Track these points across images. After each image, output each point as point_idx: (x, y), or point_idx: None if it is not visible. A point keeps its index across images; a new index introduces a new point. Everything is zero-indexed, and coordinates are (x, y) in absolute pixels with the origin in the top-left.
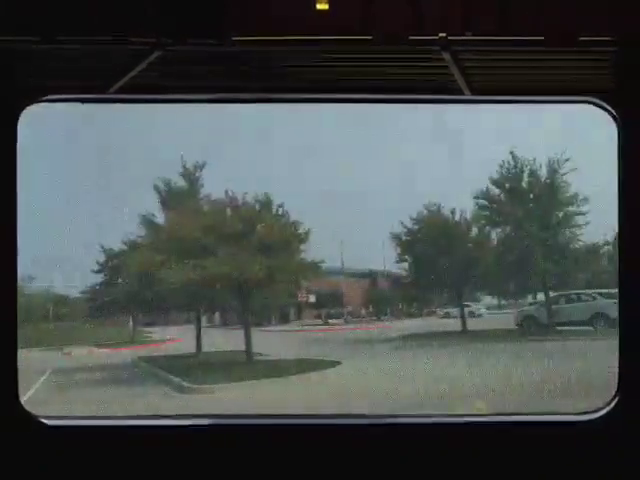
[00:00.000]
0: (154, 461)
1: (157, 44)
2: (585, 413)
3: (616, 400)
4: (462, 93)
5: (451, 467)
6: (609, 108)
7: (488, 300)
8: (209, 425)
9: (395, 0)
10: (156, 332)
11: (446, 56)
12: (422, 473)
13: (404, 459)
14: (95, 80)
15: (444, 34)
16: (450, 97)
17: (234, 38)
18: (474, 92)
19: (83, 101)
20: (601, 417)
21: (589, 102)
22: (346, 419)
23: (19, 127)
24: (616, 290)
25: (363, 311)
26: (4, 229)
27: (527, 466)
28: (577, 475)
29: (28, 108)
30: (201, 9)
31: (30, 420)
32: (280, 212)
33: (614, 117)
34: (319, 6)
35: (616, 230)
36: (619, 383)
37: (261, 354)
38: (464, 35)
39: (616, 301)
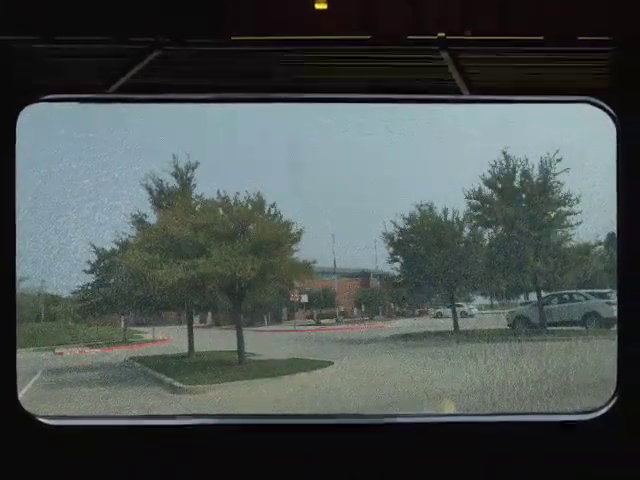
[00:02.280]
0: (154, 461)
1: (156, 44)
2: (584, 413)
3: (615, 400)
4: (461, 92)
5: (450, 467)
6: (608, 108)
7: (480, 300)
8: (210, 425)
9: (394, 0)
10: (148, 332)
11: (445, 56)
12: (421, 473)
13: (403, 458)
14: (95, 79)
15: (443, 34)
16: (449, 97)
17: (233, 38)
18: (473, 91)
19: (82, 100)
20: (600, 417)
21: (588, 102)
22: (347, 419)
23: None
24: (608, 290)
25: (355, 311)
26: (3, 229)
27: (526, 466)
28: (576, 475)
29: (27, 107)
30: (200, 9)
31: (30, 420)
32: (272, 212)
33: (613, 117)
34: (318, 6)
35: (608, 230)
36: (618, 383)
37: (253, 354)
38: (463, 35)
39: (608, 301)
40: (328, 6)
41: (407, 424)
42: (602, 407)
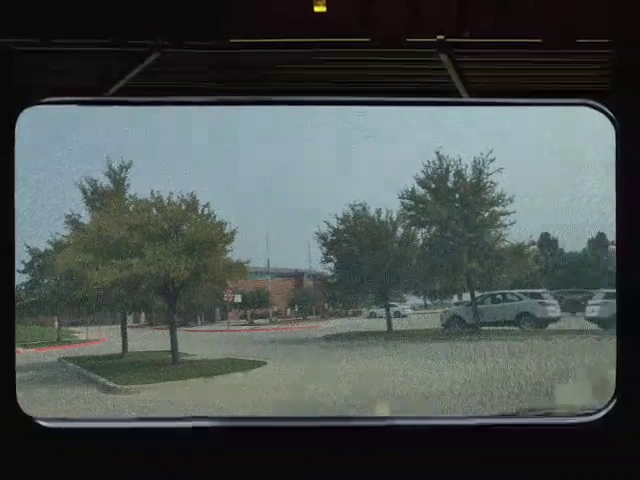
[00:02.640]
0: (151, 463)
1: (156, 46)
2: (584, 414)
3: (615, 401)
4: (459, 95)
5: (450, 469)
6: (607, 110)
7: (414, 300)
8: (207, 426)
9: (393, 2)
10: (82, 332)
11: (443, 58)
12: (421, 475)
13: (402, 460)
14: (94, 82)
15: (441, 36)
16: (447, 99)
17: (232, 40)
18: (471, 94)
19: (81, 103)
20: (600, 418)
21: (587, 104)
22: (344, 420)
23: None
24: (542, 290)
25: (289, 311)
26: (2, 230)
27: (526, 467)
28: (576, 476)
29: (26, 110)
30: (199, 11)
31: (27, 422)
32: (206, 212)
33: (612, 119)
34: (317, 8)
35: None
36: (617, 384)
37: (187, 354)
38: (461, 37)
39: (541, 301)
40: (327, 9)
41: (406, 426)
42: (602, 409)
